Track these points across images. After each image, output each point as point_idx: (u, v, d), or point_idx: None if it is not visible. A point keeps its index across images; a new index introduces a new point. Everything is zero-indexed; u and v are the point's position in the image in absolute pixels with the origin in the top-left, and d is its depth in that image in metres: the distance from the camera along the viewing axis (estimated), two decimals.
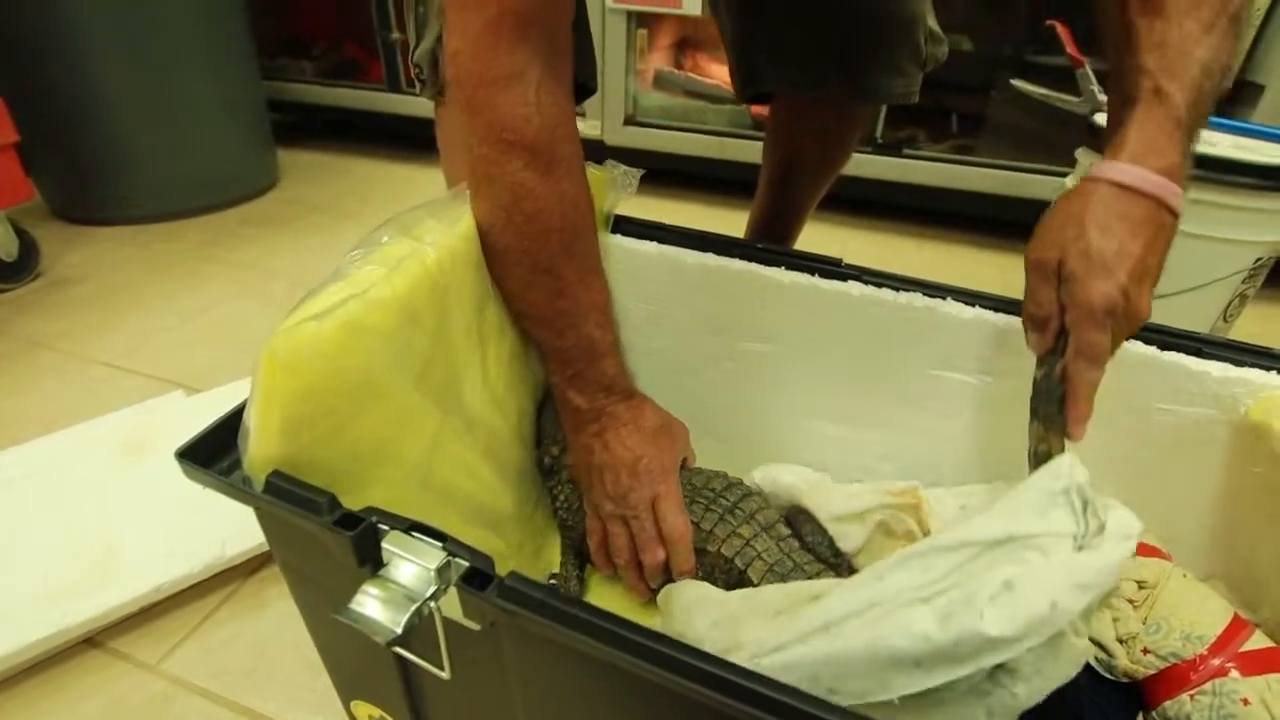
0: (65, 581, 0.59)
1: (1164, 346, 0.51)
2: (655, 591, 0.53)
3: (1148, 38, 0.44)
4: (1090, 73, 1.01)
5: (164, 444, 0.72)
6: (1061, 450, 0.45)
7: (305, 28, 1.95)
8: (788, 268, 0.58)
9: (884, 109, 1.40)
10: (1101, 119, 0.97)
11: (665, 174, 1.66)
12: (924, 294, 0.55)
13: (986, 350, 0.54)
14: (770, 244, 0.90)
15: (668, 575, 0.53)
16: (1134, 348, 0.51)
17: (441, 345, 0.42)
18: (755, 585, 0.49)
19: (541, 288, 0.51)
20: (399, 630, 0.28)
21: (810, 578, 0.50)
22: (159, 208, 1.41)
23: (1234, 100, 1.29)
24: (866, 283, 0.56)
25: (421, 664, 0.33)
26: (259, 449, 0.32)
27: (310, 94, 1.80)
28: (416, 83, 0.69)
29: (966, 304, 0.54)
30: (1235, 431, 0.50)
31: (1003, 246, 1.45)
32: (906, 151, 1.44)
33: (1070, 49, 1.02)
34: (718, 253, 0.60)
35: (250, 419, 0.33)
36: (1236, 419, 0.49)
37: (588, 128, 1.57)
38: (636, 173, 0.63)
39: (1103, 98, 1.00)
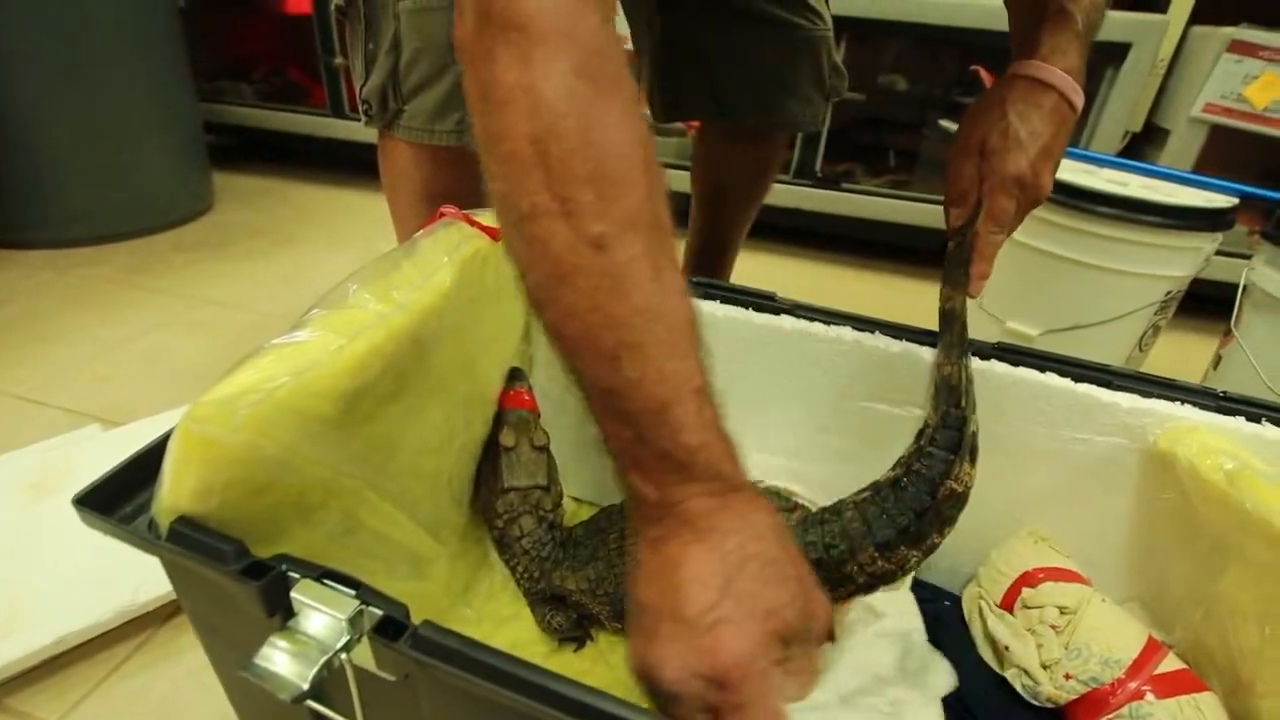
0: None
1: (1077, 379, 0.53)
2: None
3: None
4: None
5: (75, 483, 0.68)
6: (963, 306, 0.52)
7: (246, 52, 1.92)
8: (722, 301, 0.59)
9: (822, 145, 1.46)
10: None
11: None
12: (853, 328, 0.56)
13: (914, 383, 0.56)
14: (706, 272, 0.92)
15: None
16: (1050, 380, 0.53)
17: (385, 410, 0.41)
18: None
19: (595, 273, 0.29)
20: (306, 686, 0.27)
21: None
22: (82, 231, 1.35)
23: (1143, 142, 1.38)
24: (799, 316, 0.58)
25: (331, 715, 0.32)
26: (169, 500, 0.31)
27: (250, 117, 1.76)
28: (364, 115, 0.68)
29: (894, 338, 0.56)
30: (1145, 460, 0.52)
31: (938, 276, 1.50)
32: (844, 186, 1.49)
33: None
34: None
35: (165, 470, 0.31)
36: (1146, 448, 0.52)
37: None
38: None
39: None
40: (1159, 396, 0.52)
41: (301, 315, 0.39)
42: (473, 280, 0.49)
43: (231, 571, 0.29)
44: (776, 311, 0.58)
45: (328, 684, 0.29)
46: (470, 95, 0.30)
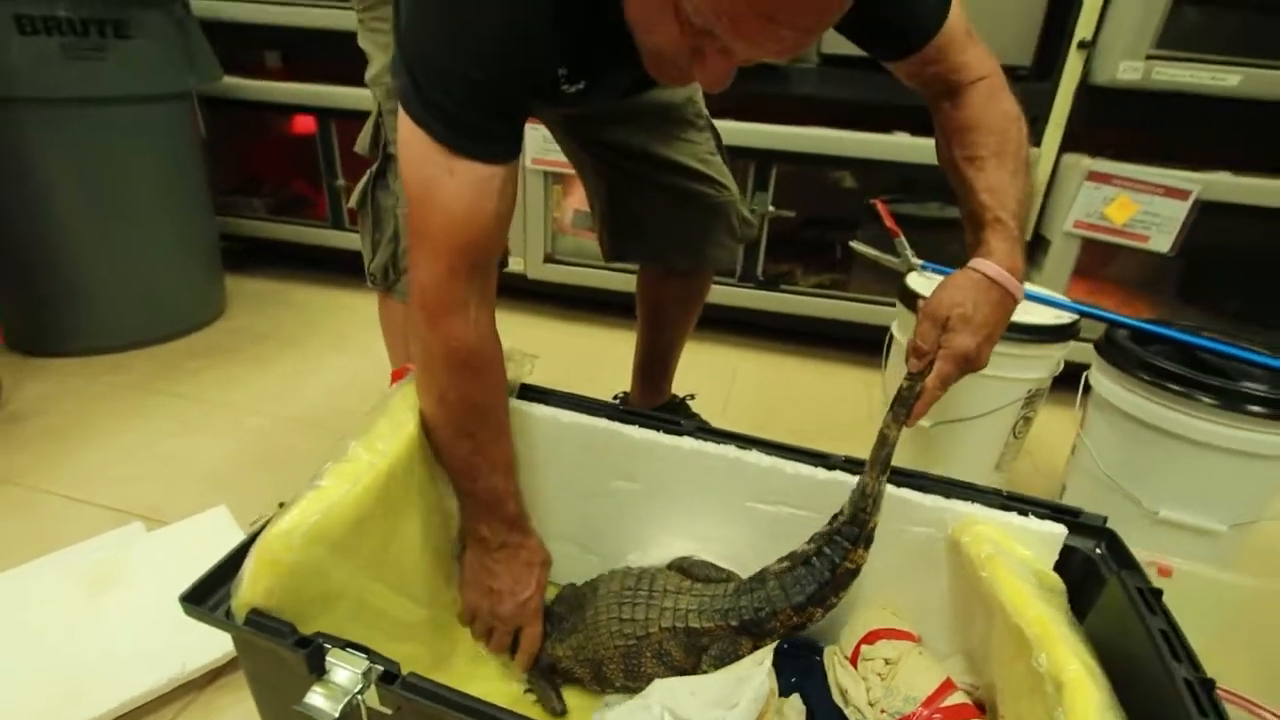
0: (38, 705, 0.70)
1: (898, 484, 0.71)
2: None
3: (980, 184, 0.68)
4: (905, 241, 1.28)
5: (128, 577, 0.84)
6: (897, 435, 0.66)
7: (258, 169, 2.15)
8: (640, 425, 0.78)
9: (762, 253, 1.68)
10: (913, 280, 1.24)
11: (581, 302, 1.89)
12: (736, 446, 0.75)
13: (782, 489, 0.74)
14: (650, 380, 1.12)
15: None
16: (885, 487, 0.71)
17: (383, 525, 0.59)
18: (698, 628, 0.67)
19: (463, 447, 0.68)
20: (336, 715, 0.44)
21: (721, 594, 0.69)
22: (109, 340, 1.53)
23: (1034, 248, 1.61)
24: (696, 437, 0.76)
25: None
26: (245, 598, 0.48)
27: (260, 229, 1.98)
28: (369, 282, 0.88)
29: (765, 454, 0.74)
30: (948, 546, 0.70)
31: (873, 364, 1.70)
32: (783, 287, 1.71)
33: (888, 223, 1.30)
34: (590, 414, 0.80)
35: (243, 577, 0.48)
36: (947, 536, 0.70)
37: (513, 264, 1.79)
38: (534, 356, 0.82)
39: (917, 261, 1.27)
40: (956, 497, 0.70)
41: (320, 468, 0.57)
42: None
43: (288, 645, 0.46)
44: (680, 434, 0.76)
45: (349, 718, 0.46)
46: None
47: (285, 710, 0.49)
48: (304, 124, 1.93)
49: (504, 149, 0.59)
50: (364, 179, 0.84)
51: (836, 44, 1.47)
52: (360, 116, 0.84)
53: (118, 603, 0.81)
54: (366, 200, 0.83)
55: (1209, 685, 0.50)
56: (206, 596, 0.51)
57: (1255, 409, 0.90)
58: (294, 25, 1.72)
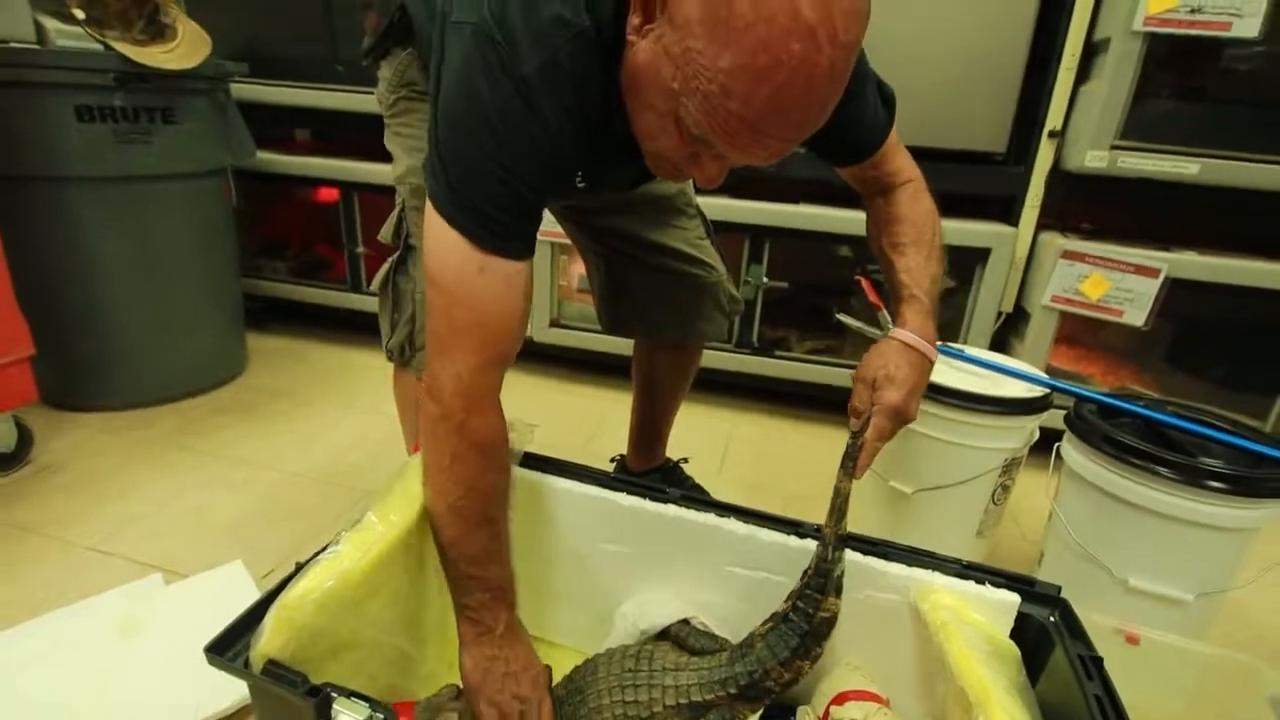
0: None
1: (865, 552, 0.77)
2: None
3: (900, 265, 0.80)
4: (886, 315, 1.36)
5: (150, 625, 0.90)
6: (848, 487, 0.72)
7: (283, 233, 2.28)
8: (628, 493, 0.84)
9: (757, 320, 1.76)
10: None
11: (585, 365, 1.97)
12: (715, 514, 0.81)
13: (757, 554, 0.79)
14: (644, 444, 1.18)
15: None
16: (848, 555, 0.77)
17: (391, 586, 0.66)
18: (701, 702, 0.71)
19: (484, 534, 0.69)
20: None
21: (718, 664, 0.73)
22: (138, 397, 1.61)
23: (1016, 319, 1.68)
24: (680, 505, 0.82)
25: None
26: (263, 651, 0.54)
27: (282, 290, 2.09)
28: (387, 357, 0.96)
29: (742, 522, 0.80)
30: (911, 612, 0.75)
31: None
32: (778, 353, 1.78)
33: (871, 296, 1.38)
34: (583, 480, 0.86)
35: (262, 632, 0.55)
36: (910, 603, 0.75)
37: None
38: (534, 425, 0.90)
39: None
40: (918, 565, 0.76)
41: (337, 533, 0.64)
42: None
43: (299, 694, 0.52)
44: (665, 501, 0.83)
45: None
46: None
47: None
48: (328, 193, 2.06)
49: (527, 246, 0.66)
50: (386, 266, 0.93)
51: None
52: (380, 190, 0.93)
53: (137, 651, 0.87)
54: (388, 284, 0.92)
55: None
56: (227, 648, 0.57)
57: (1214, 484, 0.95)
58: (322, 107, 1.86)
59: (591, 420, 1.72)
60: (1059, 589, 0.75)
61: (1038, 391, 1.18)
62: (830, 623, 0.71)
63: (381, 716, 0.51)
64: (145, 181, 1.50)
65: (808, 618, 0.71)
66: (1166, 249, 1.49)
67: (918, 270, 0.79)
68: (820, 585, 0.71)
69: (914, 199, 0.82)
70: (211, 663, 0.56)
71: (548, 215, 1.10)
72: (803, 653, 0.71)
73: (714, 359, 1.79)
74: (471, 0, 0.59)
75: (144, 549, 1.14)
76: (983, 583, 0.74)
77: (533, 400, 1.85)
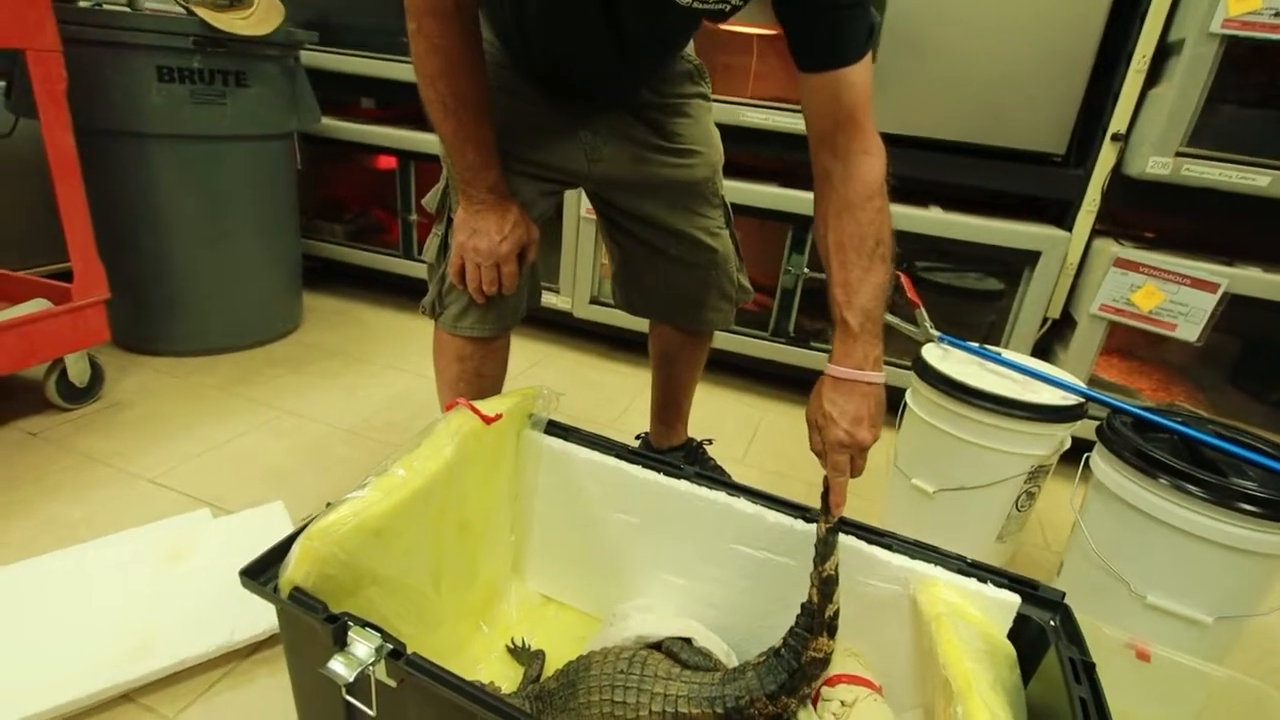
0: (115, 652, 0.83)
1: (870, 542, 0.78)
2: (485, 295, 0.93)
3: (837, 276, 0.77)
4: (925, 313, 1.35)
5: (195, 554, 0.98)
6: (824, 529, 0.72)
7: (342, 194, 2.36)
8: (644, 466, 0.87)
9: (795, 310, 1.76)
10: (928, 351, 1.30)
11: (622, 343, 2.00)
12: (726, 493, 0.83)
13: (764, 534, 0.82)
14: (666, 421, 1.21)
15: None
16: (849, 541, 0.78)
17: (411, 531, 0.70)
18: (686, 714, 0.72)
19: (450, 124, 0.84)
20: (351, 679, 0.54)
21: (709, 682, 0.74)
22: (201, 344, 1.72)
23: (1063, 327, 1.64)
24: (692, 481, 0.85)
25: (359, 705, 0.58)
26: (289, 578, 0.59)
27: (338, 253, 2.18)
28: (422, 312, 1.01)
29: (751, 502, 0.82)
30: (910, 603, 0.76)
31: (894, 424, 1.75)
32: (813, 344, 1.78)
33: (911, 294, 1.37)
34: (602, 451, 0.89)
35: (289, 560, 0.60)
36: (910, 594, 0.76)
37: (560, 302, 1.92)
38: (559, 394, 0.93)
39: (934, 333, 1.34)
40: (920, 559, 0.77)
41: (363, 478, 0.68)
42: (468, 449, 0.79)
43: (320, 619, 0.57)
44: (678, 477, 0.85)
45: (361, 686, 0.56)
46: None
47: (311, 672, 0.59)
48: (387, 161, 2.13)
49: None
50: (436, 239, 0.98)
51: (881, 124, 1.58)
52: (436, 160, 0.97)
53: (183, 576, 0.94)
54: (441, 254, 0.97)
55: None
56: (260, 574, 0.63)
57: (1246, 506, 0.93)
58: (385, 77, 1.92)
59: (624, 397, 1.76)
60: (1063, 594, 0.75)
61: (1071, 400, 1.16)
62: (820, 663, 0.72)
63: (391, 647, 0.56)
64: (218, 141, 1.58)
65: (797, 656, 0.72)
66: (1229, 263, 1.43)
67: (854, 284, 0.76)
68: (808, 625, 0.72)
69: (869, 182, 0.77)
70: (245, 585, 0.61)
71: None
72: (789, 689, 0.72)
73: (749, 346, 1.80)
74: None
75: (196, 485, 1.22)
76: (985, 580, 0.74)
77: (569, 374, 1.89)
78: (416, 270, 2.06)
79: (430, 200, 1.00)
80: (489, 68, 0.86)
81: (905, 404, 1.32)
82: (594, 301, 1.91)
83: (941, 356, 1.28)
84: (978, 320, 1.78)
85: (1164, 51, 1.41)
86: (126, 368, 1.62)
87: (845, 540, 0.78)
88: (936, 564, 0.76)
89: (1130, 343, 1.72)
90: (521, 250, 0.93)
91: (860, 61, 0.77)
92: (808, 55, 0.78)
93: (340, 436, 1.42)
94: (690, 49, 1.04)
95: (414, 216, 2.04)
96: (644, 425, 1.37)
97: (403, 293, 2.20)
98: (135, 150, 1.52)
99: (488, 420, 0.81)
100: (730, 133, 1.58)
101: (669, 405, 1.28)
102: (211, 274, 1.68)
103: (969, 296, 1.81)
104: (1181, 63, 1.33)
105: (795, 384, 1.89)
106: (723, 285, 1.12)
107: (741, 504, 0.82)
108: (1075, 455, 1.15)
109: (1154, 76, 1.43)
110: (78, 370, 1.40)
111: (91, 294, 1.39)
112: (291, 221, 1.87)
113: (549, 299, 1.91)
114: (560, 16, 0.84)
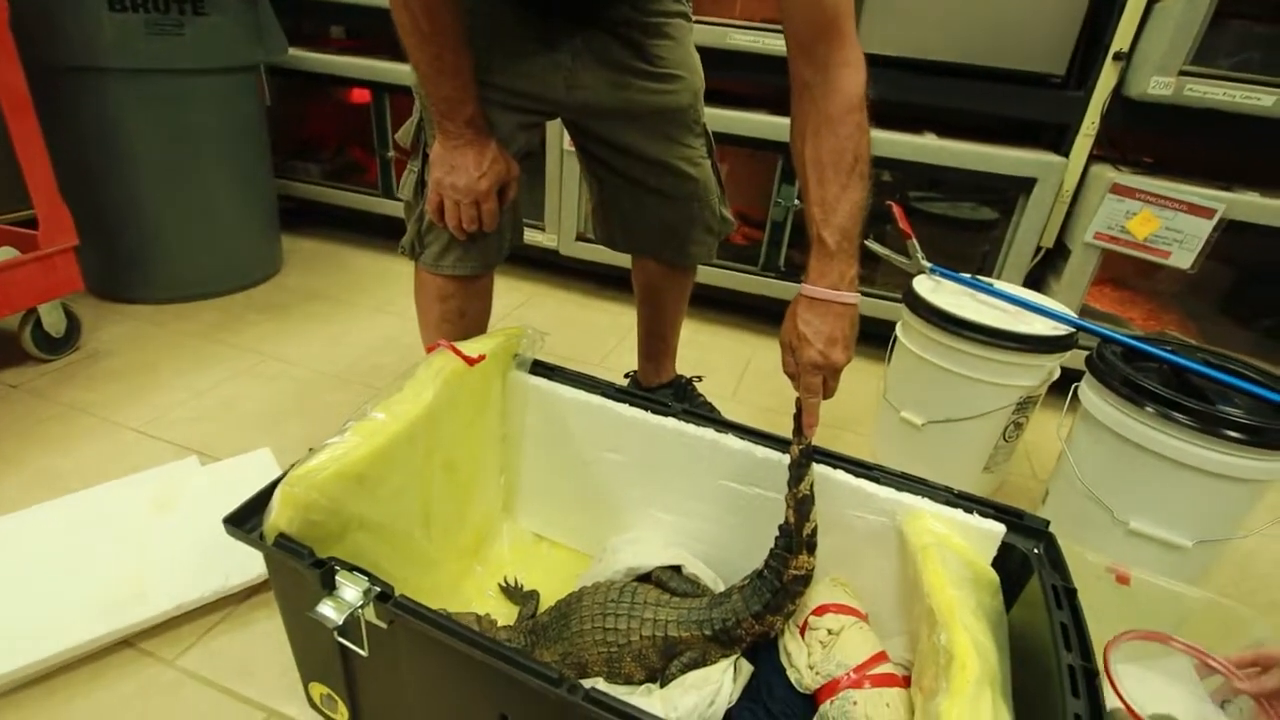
0: (110, 599, 0.83)
1: (855, 475, 0.78)
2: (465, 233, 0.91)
3: (814, 193, 0.75)
4: (916, 244, 1.33)
5: (184, 502, 0.98)
6: (799, 450, 0.73)
7: (316, 134, 2.28)
8: (630, 404, 0.86)
9: (785, 243, 1.73)
10: (919, 283, 1.28)
11: (609, 280, 1.97)
12: (714, 429, 0.83)
13: (752, 469, 0.82)
14: (653, 356, 1.21)
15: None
16: (839, 475, 0.78)
17: (396, 475, 0.69)
18: (675, 637, 0.74)
19: (426, 54, 0.81)
20: (340, 622, 0.54)
21: (696, 607, 0.76)
22: (180, 291, 1.68)
23: (1055, 256, 1.62)
24: (680, 419, 0.84)
25: (351, 646, 0.59)
26: (273, 525, 0.59)
27: (315, 193, 2.11)
28: (400, 252, 0.98)
29: (738, 439, 0.82)
30: (897, 534, 0.77)
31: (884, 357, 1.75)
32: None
33: (903, 224, 1.34)
34: (587, 390, 0.88)
35: (272, 507, 0.59)
36: (897, 525, 0.77)
37: (545, 240, 1.88)
38: (544, 334, 0.91)
39: (926, 264, 1.32)
40: (908, 491, 0.77)
41: (343, 423, 0.67)
42: (451, 391, 0.78)
43: (306, 565, 0.57)
44: (665, 414, 0.85)
45: (351, 629, 0.56)
46: None
47: (302, 617, 0.59)
48: (361, 94, 2.04)
49: None
50: (412, 175, 0.94)
51: (870, 44, 1.51)
52: (411, 92, 0.93)
53: (175, 523, 0.94)
54: (418, 191, 0.94)
55: (1091, 674, 0.57)
56: (245, 521, 0.62)
57: (1231, 433, 0.93)
58: (354, 2, 1.82)
59: (613, 335, 1.74)
60: (1047, 523, 0.76)
61: (1061, 330, 1.15)
62: (803, 579, 0.73)
63: (379, 589, 0.56)
64: (179, 75, 1.50)
65: (778, 575, 0.73)
66: (1228, 188, 1.40)
67: (832, 201, 0.74)
68: (786, 545, 0.73)
69: (849, 95, 0.74)
70: (230, 533, 0.61)
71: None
72: (774, 608, 0.74)
73: (739, 281, 1.78)
74: None
75: (182, 433, 1.21)
76: (970, 511, 0.75)
77: (555, 313, 1.87)
78: (397, 210, 1.99)
79: (404, 134, 0.95)
80: None
81: (895, 338, 1.31)
82: (580, 239, 1.86)
83: (933, 288, 1.26)
84: (971, 250, 1.76)
85: None
86: (104, 316, 1.58)
87: (834, 475, 0.79)
88: (923, 495, 0.77)
89: (1122, 272, 1.71)
90: (502, 187, 0.89)
91: None
92: None
93: (327, 382, 1.40)
94: None
95: (391, 153, 1.97)
96: (633, 363, 1.36)
97: (385, 233, 2.14)
98: (92, 86, 1.45)
99: (470, 361, 0.79)
100: (716, 57, 1.51)
101: (655, 342, 1.26)
102: (183, 217, 1.63)
103: (963, 227, 1.78)
104: None
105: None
106: (705, 217, 1.09)
107: (730, 440, 0.82)
108: (1064, 385, 1.15)
109: None
110: (52, 320, 1.37)
111: (58, 241, 1.34)
112: (264, 161, 1.80)
113: (534, 236, 1.87)
114: None
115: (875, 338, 1.73)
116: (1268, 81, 1.29)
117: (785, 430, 0.82)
